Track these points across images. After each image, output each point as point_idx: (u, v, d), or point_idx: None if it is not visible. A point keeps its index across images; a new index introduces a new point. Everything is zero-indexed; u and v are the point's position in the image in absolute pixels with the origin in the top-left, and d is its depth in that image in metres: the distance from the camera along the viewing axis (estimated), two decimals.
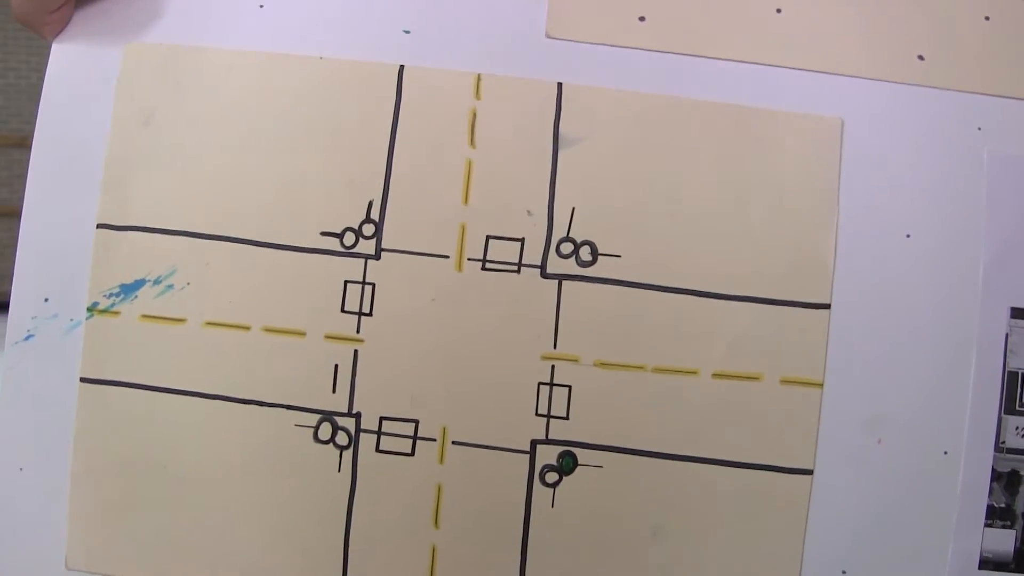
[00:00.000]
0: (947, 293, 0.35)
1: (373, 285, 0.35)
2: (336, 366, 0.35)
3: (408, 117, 0.36)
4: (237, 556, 0.35)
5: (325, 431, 0.35)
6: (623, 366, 0.35)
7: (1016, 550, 0.35)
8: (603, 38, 0.36)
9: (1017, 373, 0.35)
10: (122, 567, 0.36)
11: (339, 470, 0.35)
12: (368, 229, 0.35)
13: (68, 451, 0.36)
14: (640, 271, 0.35)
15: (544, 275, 0.35)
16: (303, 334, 0.35)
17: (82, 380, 0.36)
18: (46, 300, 0.36)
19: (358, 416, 0.35)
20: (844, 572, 0.35)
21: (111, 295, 0.36)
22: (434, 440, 0.35)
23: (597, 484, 0.35)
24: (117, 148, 0.36)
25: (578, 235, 0.35)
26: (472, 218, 0.35)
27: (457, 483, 0.35)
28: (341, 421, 0.35)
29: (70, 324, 0.36)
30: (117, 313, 0.36)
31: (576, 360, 0.35)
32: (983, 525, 0.35)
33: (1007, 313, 0.35)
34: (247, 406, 0.35)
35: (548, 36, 0.36)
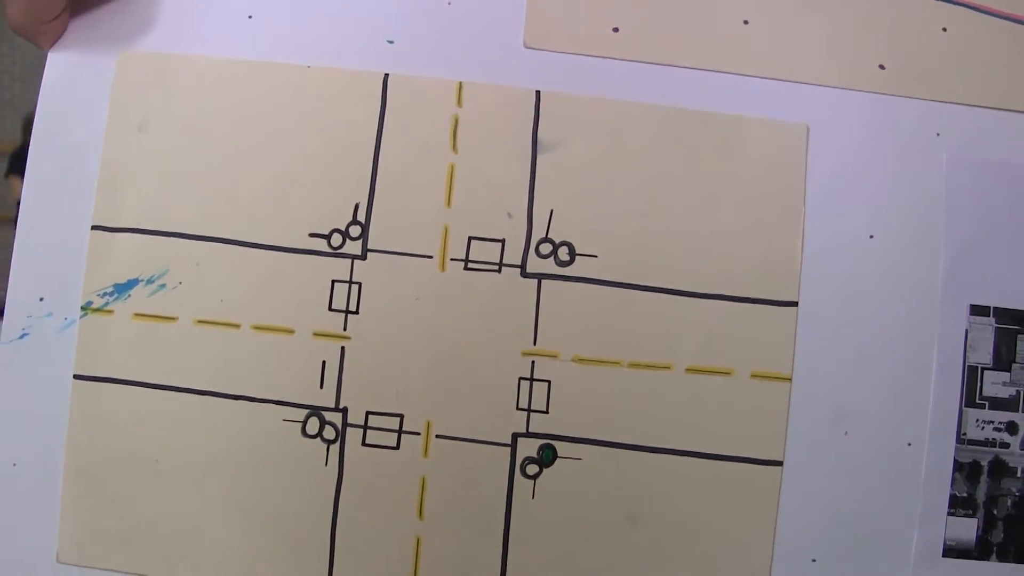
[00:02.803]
0: (909, 291, 0.36)
1: (359, 284, 0.37)
2: (324, 362, 0.36)
3: (393, 123, 0.37)
4: (227, 548, 0.36)
5: (313, 426, 0.36)
6: (600, 361, 0.36)
7: (978, 538, 0.36)
8: (579, 48, 0.37)
9: (977, 368, 0.36)
10: (113, 560, 0.36)
11: (326, 463, 0.36)
12: (355, 230, 0.37)
13: (61, 447, 0.37)
14: (616, 270, 0.36)
15: (524, 274, 0.36)
16: (292, 332, 0.36)
17: (75, 377, 0.37)
18: (41, 299, 0.37)
19: (345, 411, 0.36)
20: (814, 560, 0.36)
21: (105, 294, 0.37)
22: (418, 434, 0.36)
23: (576, 475, 0.36)
24: (111, 153, 0.37)
25: (556, 236, 0.37)
26: (455, 220, 0.37)
27: (441, 475, 0.36)
28: (328, 416, 0.36)
29: (64, 323, 0.37)
30: (111, 312, 0.37)
31: (555, 356, 0.36)
32: (946, 514, 0.36)
33: (967, 310, 0.36)
34: (237, 401, 0.36)
35: (526, 46, 0.37)
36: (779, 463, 0.36)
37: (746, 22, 0.38)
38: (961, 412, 0.36)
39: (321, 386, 0.36)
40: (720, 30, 0.37)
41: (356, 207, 0.37)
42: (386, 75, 0.37)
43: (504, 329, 0.36)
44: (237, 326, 0.36)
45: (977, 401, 0.36)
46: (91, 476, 0.37)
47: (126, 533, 0.36)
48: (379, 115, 0.37)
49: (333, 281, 0.36)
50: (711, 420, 0.36)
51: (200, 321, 0.37)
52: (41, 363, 0.37)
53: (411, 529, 0.36)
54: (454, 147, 0.37)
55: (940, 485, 0.36)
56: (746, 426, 0.36)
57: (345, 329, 0.36)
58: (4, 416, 0.37)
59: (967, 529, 0.36)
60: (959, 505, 0.36)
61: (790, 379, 0.36)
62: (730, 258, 0.36)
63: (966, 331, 0.36)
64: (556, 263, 0.36)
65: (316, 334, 0.36)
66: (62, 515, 0.37)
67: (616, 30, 0.37)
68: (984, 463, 0.36)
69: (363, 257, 0.37)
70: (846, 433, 0.36)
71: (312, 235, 0.37)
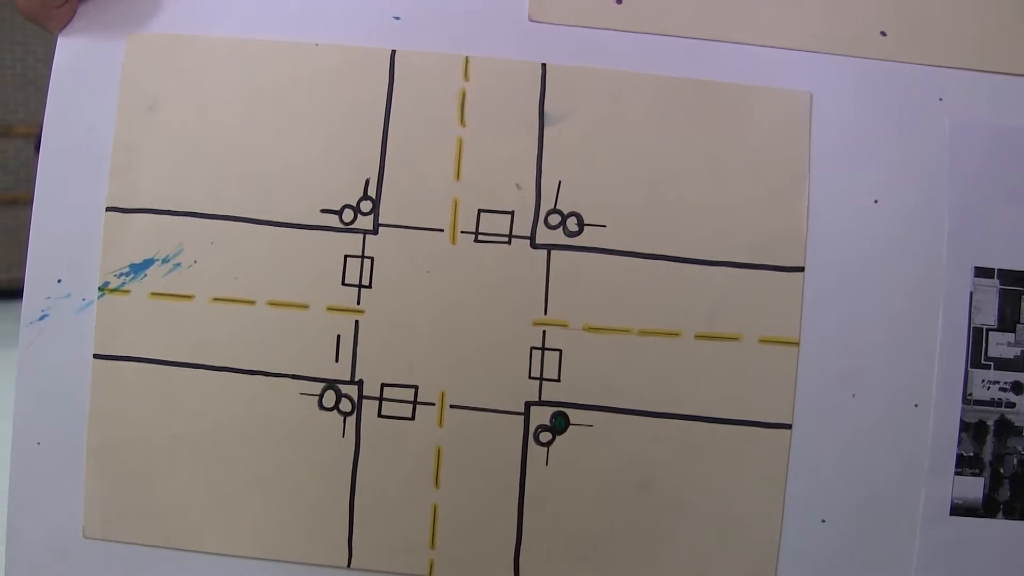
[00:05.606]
0: (914, 254, 0.37)
1: (372, 259, 0.37)
2: (338, 336, 0.37)
3: (401, 99, 0.37)
4: (248, 520, 0.37)
5: (329, 399, 0.37)
6: (610, 330, 0.37)
7: (985, 496, 0.37)
8: (583, 20, 0.38)
9: (982, 329, 0.37)
10: (137, 534, 0.37)
11: (343, 435, 0.37)
12: (366, 206, 0.37)
13: (84, 425, 0.37)
14: (624, 239, 0.37)
15: (534, 245, 0.37)
16: (306, 307, 0.37)
17: (95, 356, 0.37)
18: (59, 281, 0.38)
19: (360, 383, 0.37)
20: (824, 520, 0.36)
21: (121, 275, 0.38)
22: (433, 404, 0.37)
23: (588, 442, 0.37)
24: (124, 134, 0.38)
25: (565, 207, 0.37)
26: (464, 193, 0.37)
27: (456, 445, 0.37)
28: (344, 389, 0.37)
29: (83, 303, 0.38)
30: (127, 292, 0.38)
31: (566, 325, 0.37)
32: (953, 473, 0.36)
33: (971, 272, 0.37)
34: (254, 376, 0.37)
35: (531, 19, 0.38)
36: (788, 426, 0.36)
37: None
38: (967, 373, 0.37)
39: (336, 360, 0.37)
40: (722, 0, 0.38)
41: (367, 182, 0.37)
42: (393, 51, 0.38)
43: (515, 299, 0.37)
44: (252, 302, 0.37)
45: (983, 362, 0.37)
46: (113, 453, 0.37)
47: (149, 508, 0.37)
48: (387, 91, 0.37)
49: (346, 256, 0.37)
50: (720, 385, 0.37)
51: (216, 298, 0.37)
52: (61, 344, 0.38)
53: (428, 497, 0.37)
54: (462, 121, 0.37)
55: (947, 445, 0.37)
56: (755, 390, 0.36)
57: (359, 303, 0.37)
58: (27, 396, 0.38)
59: (974, 488, 0.37)
60: (966, 464, 0.37)
61: (798, 343, 0.37)
62: (737, 225, 0.37)
63: (971, 293, 0.37)
64: (565, 233, 0.37)
65: (330, 308, 0.37)
66: (86, 492, 0.37)
67: (619, 2, 0.38)
68: (990, 423, 0.37)
69: (375, 232, 0.37)
70: (854, 395, 0.37)
71: (324, 211, 0.37)
